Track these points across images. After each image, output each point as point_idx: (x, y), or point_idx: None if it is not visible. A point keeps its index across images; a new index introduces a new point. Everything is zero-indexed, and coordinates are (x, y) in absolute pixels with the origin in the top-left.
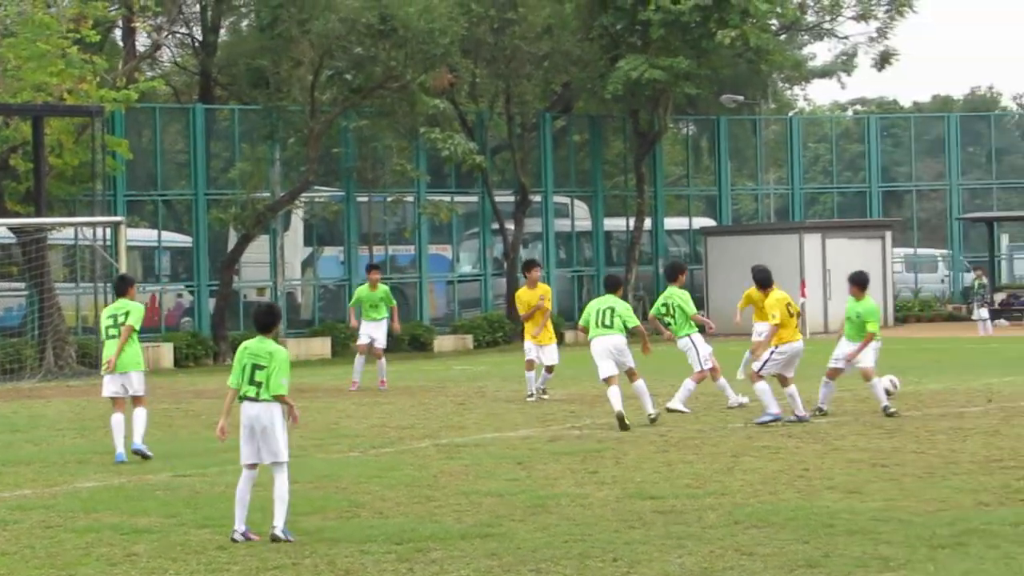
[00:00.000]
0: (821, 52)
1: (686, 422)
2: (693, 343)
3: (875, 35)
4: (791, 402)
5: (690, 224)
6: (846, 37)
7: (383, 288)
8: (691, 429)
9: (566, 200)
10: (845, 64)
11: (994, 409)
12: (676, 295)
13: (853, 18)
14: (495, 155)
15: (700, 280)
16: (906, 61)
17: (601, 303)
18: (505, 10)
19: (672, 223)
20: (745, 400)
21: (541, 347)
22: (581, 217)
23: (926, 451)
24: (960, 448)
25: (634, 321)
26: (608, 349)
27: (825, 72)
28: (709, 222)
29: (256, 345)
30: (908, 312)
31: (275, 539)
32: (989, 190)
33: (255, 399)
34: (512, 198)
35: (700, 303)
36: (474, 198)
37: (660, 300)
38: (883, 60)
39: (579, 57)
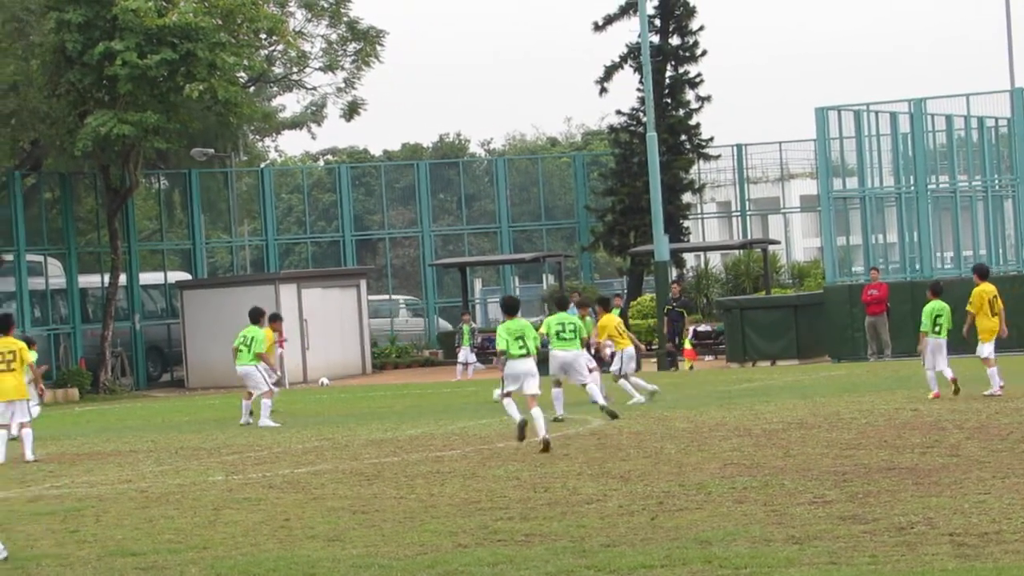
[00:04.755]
0: (291, 103)
1: (166, 477)
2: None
3: (343, 85)
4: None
5: (165, 278)
6: (315, 88)
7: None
8: (172, 484)
9: (39, 258)
10: (315, 115)
11: (472, 452)
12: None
13: (320, 69)
14: None
15: (177, 334)
16: (375, 110)
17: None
18: None
19: (148, 278)
20: None
21: None
22: (55, 275)
23: (406, 496)
24: (439, 492)
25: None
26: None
27: (295, 123)
28: (185, 276)
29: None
30: (386, 359)
31: None
32: (461, 235)
33: None
34: None
35: (178, 357)
36: None
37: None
38: (351, 110)
39: (47, 114)
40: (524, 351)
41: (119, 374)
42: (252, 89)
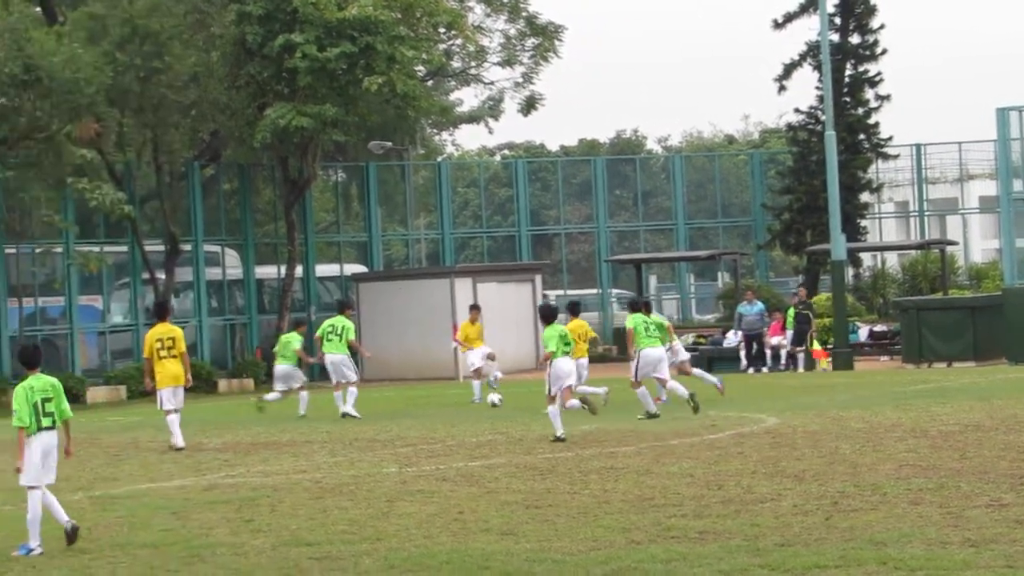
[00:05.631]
0: (468, 97)
1: (340, 468)
2: None
3: (520, 80)
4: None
5: (341, 271)
6: (492, 83)
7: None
8: (346, 475)
9: (217, 248)
10: (492, 109)
11: (645, 448)
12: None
13: (498, 64)
14: (144, 204)
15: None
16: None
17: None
18: (151, 59)
19: (324, 270)
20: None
21: None
22: (232, 265)
23: (579, 491)
24: (612, 488)
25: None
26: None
27: (473, 117)
28: (361, 268)
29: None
30: None
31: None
32: (636, 232)
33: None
34: (162, 247)
35: (353, 349)
36: (124, 248)
37: None
38: (529, 105)
39: (226, 105)
40: (568, 352)
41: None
42: (430, 83)
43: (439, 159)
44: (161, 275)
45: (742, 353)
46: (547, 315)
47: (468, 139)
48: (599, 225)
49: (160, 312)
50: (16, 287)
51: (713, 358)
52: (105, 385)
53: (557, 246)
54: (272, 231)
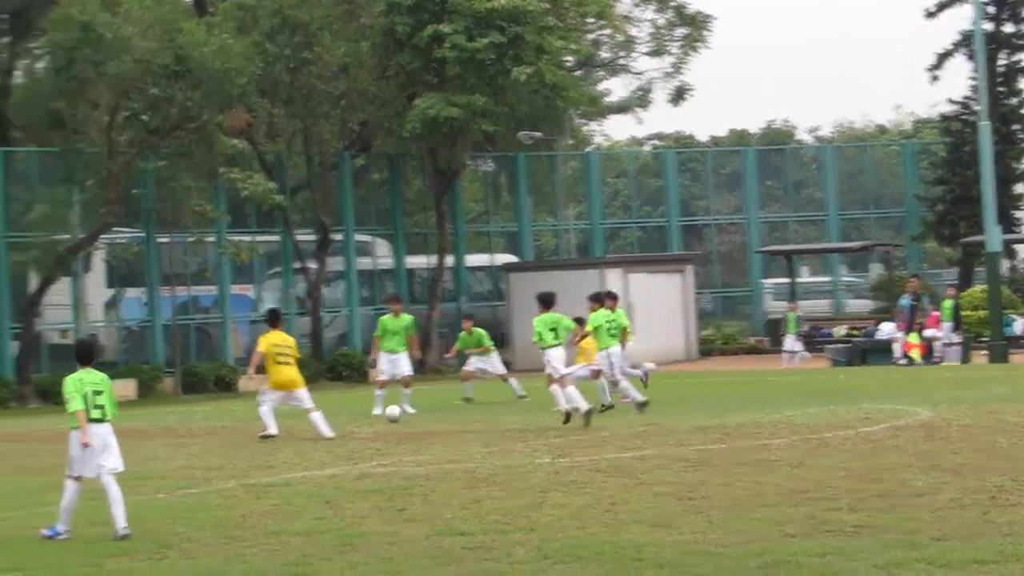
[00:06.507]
0: (617, 88)
1: (493, 458)
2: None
3: (670, 70)
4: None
5: (492, 260)
6: (641, 73)
7: (406, 317)
8: (499, 465)
9: (368, 238)
10: (641, 99)
11: (799, 441)
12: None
13: (647, 54)
14: (295, 194)
15: (504, 317)
16: (701, 95)
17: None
18: (301, 50)
19: (474, 260)
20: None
21: None
22: (383, 255)
23: (732, 483)
24: (766, 480)
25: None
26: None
27: (621, 107)
28: (511, 258)
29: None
30: (711, 346)
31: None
32: (787, 223)
33: (100, 420)
34: (313, 237)
35: (503, 339)
36: (275, 238)
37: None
38: (678, 95)
39: (376, 96)
40: (557, 341)
41: (444, 354)
42: (579, 73)
43: (588, 149)
44: (312, 265)
45: (896, 345)
46: (546, 301)
47: (617, 129)
48: (749, 216)
49: (273, 320)
50: (169, 276)
51: (866, 350)
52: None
53: (707, 237)
54: (422, 221)
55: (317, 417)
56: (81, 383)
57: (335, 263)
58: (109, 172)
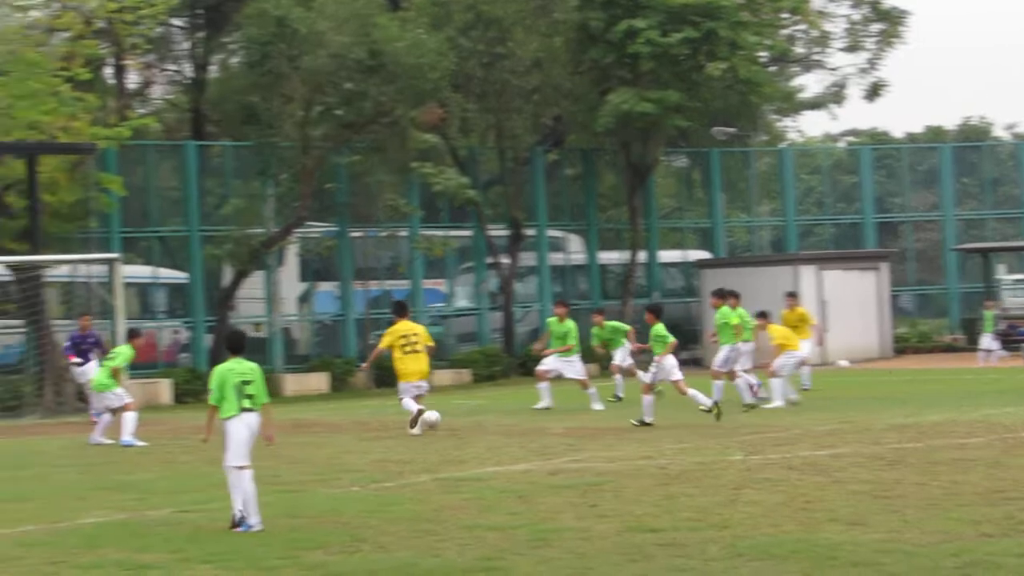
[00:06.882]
0: (811, 84)
1: (686, 455)
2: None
3: (865, 66)
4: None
5: (684, 256)
6: (836, 68)
7: (569, 323)
8: (691, 462)
9: (560, 234)
10: (836, 95)
11: (996, 440)
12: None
13: (843, 49)
14: (488, 189)
15: (697, 313)
16: (897, 91)
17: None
18: (494, 45)
19: (668, 256)
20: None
21: None
22: (576, 250)
23: (928, 482)
24: (963, 479)
25: None
26: None
27: (816, 104)
28: (704, 254)
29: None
30: (906, 343)
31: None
32: (984, 220)
33: (251, 409)
34: (506, 232)
35: (695, 336)
36: (468, 232)
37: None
38: (874, 91)
39: (569, 91)
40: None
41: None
42: (773, 69)
43: (782, 145)
44: (504, 260)
45: None
46: (656, 311)
47: (811, 125)
48: (945, 213)
49: (400, 310)
50: (362, 270)
51: None
52: (449, 368)
53: (903, 234)
54: (615, 216)
55: (410, 403)
56: (230, 373)
57: (527, 258)
58: (303, 166)
